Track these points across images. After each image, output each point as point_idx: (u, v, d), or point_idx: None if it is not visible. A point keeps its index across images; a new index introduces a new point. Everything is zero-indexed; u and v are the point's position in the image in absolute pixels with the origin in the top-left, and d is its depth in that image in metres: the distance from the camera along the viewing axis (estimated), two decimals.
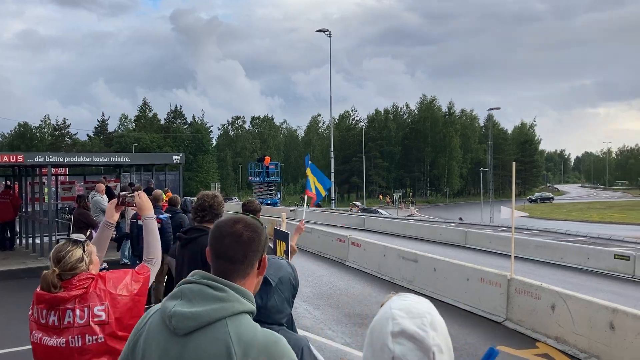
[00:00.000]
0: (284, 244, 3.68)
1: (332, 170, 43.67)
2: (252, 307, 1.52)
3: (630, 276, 12.23)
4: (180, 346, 1.46)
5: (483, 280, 8.87)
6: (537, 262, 14.66)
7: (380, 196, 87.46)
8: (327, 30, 39.12)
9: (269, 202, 41.29)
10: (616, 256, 12.79)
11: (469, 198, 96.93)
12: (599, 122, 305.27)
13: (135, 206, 2.97)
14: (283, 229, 4.19)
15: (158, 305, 1.58)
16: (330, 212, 37.50)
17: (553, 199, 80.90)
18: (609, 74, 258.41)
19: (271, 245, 4.49)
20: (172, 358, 1.47)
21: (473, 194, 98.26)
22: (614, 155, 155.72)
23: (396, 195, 71.35)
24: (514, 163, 8.40)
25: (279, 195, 48.70)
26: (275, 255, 3.39)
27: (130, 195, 3.05)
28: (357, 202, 69.24)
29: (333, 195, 48.93)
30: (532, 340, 7.39)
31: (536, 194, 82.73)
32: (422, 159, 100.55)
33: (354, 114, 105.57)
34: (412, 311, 1.21)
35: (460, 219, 40.75)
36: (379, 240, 16.29)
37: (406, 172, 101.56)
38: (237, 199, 71.85)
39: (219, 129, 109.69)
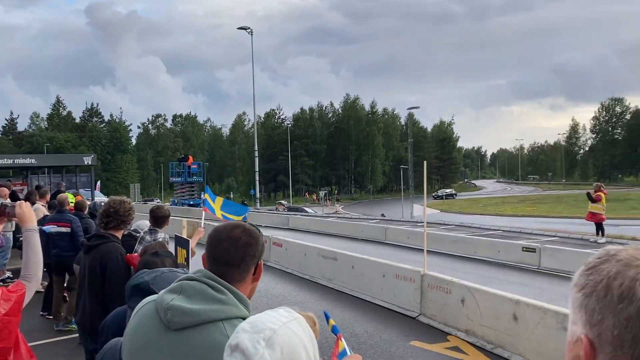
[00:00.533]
0: (184, 251, 3.56)
1: (257, 169, 43.40)
2: (247, 313, 1.53)
3: (536, 267, 12.94)
4: (172, 341, 1.45)
5: (398, 277, 9.07)
6: (452, 256, 15.20)
7: (307, 194, 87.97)
8: (249, 28, 38.81)
9: (191, 203, 40.36)
10: (524, 249, 13.51)
11: (392, 194, 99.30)
12: (512, 119, 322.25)
13: (15, 217, 2.77)
14: (184, 235, 4.07)
15: (152, 297, 1.57)
16: (256, 211, 37.26)
17: (456, 195, 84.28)
18: (521, 74, 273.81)
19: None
20: (161, 351, 1.45)
21: (395, 191, 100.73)
22: (526, 151, 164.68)
23: (322, 193, 72.01)
24: (424, 162, 8.66)
25: (202, 196, 47.73)
26: (177, 261, 3.27)
27: (11, 205, 2.85)
28: (283, 201, 69.33)
29: (258, 195, 48.60)
30: (444, 334, 7.62)
31: (439, 191, 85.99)
32: (346, 157, 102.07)
33: (279, 113, 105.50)
34: (258, 325, 1.15)
35: (383, 215, 41.63)
36: (303, 239, 16.34)
37: (332, 170, 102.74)
38: (158, 200, 69.85)
39: (138, 127, 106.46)
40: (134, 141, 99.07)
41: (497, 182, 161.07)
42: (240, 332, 1.15)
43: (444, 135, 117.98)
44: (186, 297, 1.49)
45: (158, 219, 4.75)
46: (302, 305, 9.67)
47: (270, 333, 1.12)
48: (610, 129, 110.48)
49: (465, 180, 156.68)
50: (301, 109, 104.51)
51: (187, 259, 3.53)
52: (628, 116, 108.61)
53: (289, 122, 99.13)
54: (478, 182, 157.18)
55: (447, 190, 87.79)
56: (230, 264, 1.57)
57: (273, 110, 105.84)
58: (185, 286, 1.52)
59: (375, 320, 8.36)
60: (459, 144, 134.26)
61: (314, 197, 79.71)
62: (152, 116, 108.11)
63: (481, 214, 46.25)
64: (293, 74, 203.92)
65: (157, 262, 3.06)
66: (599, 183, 18.70)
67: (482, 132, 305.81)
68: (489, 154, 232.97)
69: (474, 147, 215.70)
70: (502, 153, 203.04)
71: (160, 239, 4.53)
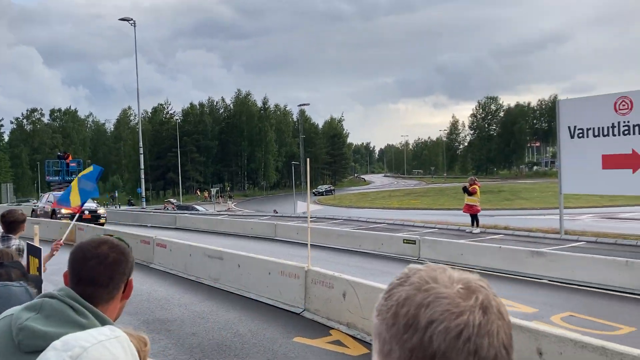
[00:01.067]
0: (37, 261, 3.28)
1: (143, 166, 41.62)
2: None
3: (416, 258, 13.57)
4: None
5: (283, 273, 9.11)
6: (339, 250, 15.58)
7: (198, 192, 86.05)
8: (132, 20, 37.03)
9: None
10: (404, 241, 14.13)
11: (285, 190, 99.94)
12: (399, 116, 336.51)
13: None
14: (36, 243, 3.75)
15: (10, 310, 1.41)
16: (142, 212, 35.77)
17: (334, 190, 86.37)
18: (406, 73, 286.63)
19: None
20: None
21: (288, 186, 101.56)
22: (411, 147, 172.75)
23: (214, 190, 70.89)
24: (308, 160, 8.76)
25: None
26: (27, 272, 3.00)
27: None
28: (172, 199, 67.19)
29: (144, 194, 46.70)
30: (327, 328, 7.75)
31: (319, 187, 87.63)
32: (239, 153, 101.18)
33: (167, 107, 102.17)
34: (69, 343, 1.10)
35: (275, 211, 41.82)
36: (190, 238, 15.94)
37: (224, 167, 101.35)
38: (35, 201, 64.92)
39: (12, 122, 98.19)
40: (6, 137, 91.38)
41: (385, 176, 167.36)
42: (49, 349, 1.09)
43: (334, 132, 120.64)
44: (44, 317, 1.37)
45: (9, 224, 4.34)
46: (187, 307, 9.41)
47: (80, 351, 1.07)
48: (486, 125, 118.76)
49: (355, 175, 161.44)
50: (191, 104, 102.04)
51: (39, 269, 3.26)
52: (502, 114, 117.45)
53: (178, 118, 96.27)
54: (367, 177, 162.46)
55: (325, 186, 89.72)
56: (97, 284, 1.47)
57: (161, 105, 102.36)
58: (45, 305, 1.39)
59: (260, 319, 8.32)
60: (349, 140, 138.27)
61: (206, 194, 78.16)
62: (27, 110, 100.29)
63: (370, 208, 47.87)
64: (183, 68, 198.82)
65: (1, 273, 2.79)
66: (473, 177, 20.06)
67: (370, 129, 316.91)
68: (377, 150, 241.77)
69: (363, 143, 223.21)
70: (389, 148, 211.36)
71: (14, 247, 4.16)
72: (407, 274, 0.76)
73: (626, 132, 14.99)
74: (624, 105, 15.01)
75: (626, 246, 15.04)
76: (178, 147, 78.29)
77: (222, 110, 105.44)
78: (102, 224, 23.64)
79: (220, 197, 70.69)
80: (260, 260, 9.95)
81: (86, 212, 23.07)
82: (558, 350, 4.62)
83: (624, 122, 14.99)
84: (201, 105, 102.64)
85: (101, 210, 25.64)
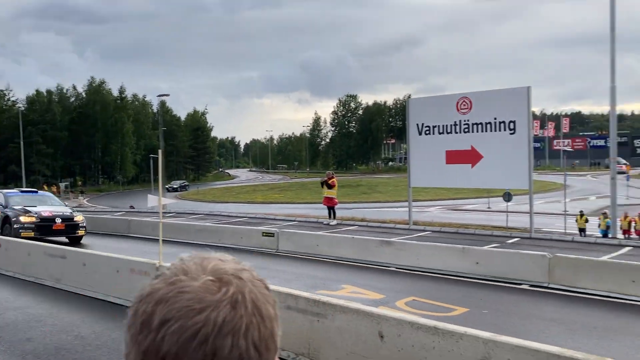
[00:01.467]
0: None
1: None
2: None
3: (274, 250, 13.71)
4: None
5: (134, 271, 8.67)
6: (198, 245, 15.21)
7: (45, 186, 79.17)
8: None
9: None
10: (263, 234, 14.19)
11: (144, 185, 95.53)
12: (264, 111, 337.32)
13: None
14: None
15: None
16: None
17: (188, 186, 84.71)
18: (271, 68, 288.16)
19: None
20: None
21: (148, 181, 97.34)
22: (275, 142, 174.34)
23: (63, 185, 65.90)
24: (160, 151, 8.41)
25: None
26: None
27: None
28: None
29: None
30: None
31: (173, 183, 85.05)
32: (92, 145, 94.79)
33: (9, 94, 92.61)
34: None
35: (132, 207, 39.86)
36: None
37: (75, 160, 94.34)
38: None
39: None
40: None
41: (250, 171, 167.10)
42: None
43: (197, 125, 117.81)
44: None
45: None
46: (22, 311, 8.57)
47: None
48: (346, 122, 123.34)
49: (220, 169, 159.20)
50: (37, 90, 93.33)
51: None
52: (360, 111, 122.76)
53: (21, 105, 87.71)
54: (232, 172, 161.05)
55: (179, 182, 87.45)
56: None
57: (1, 91, 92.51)
58: None
59: (106, 319, 7.84)
60: (214, 133, 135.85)
61: (54, 189, 72.28)
62: None
63: (234, 202, 47.50)
64: (28, 51, 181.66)
65: None
66: (330, 171, 20.78)
67: (236, 123, 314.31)
68: (242, 144, 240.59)
69: (228, 137, 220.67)
70: (254, 143, 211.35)
71: None
72: (166, 267, 0.69)
73: (466, 129, 16.39)
74: (464, 105, 16.39)
75: (466, 235, 16.49)
76: (21, 137, 71.21)
77: (74, 98, 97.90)
78: (80, 238, 16.34)
79: (70, 192, 65.96)
80: (107, 258, 9.39)
81: (57, 221, 15.72)
82: (397, 333, 4.89)
83: (465, 120, 16.38)
84: (49, 92, 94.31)
85: (79, 218, 16.77)
